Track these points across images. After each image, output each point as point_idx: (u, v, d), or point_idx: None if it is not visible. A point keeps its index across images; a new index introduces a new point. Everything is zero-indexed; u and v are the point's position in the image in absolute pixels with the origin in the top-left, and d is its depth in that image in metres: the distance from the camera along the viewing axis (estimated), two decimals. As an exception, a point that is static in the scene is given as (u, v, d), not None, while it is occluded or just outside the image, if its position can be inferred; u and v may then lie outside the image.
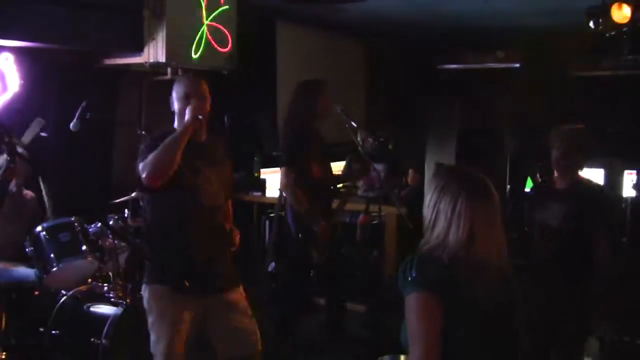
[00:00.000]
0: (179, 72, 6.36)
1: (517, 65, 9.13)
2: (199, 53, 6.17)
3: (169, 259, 3.92)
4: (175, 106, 3.98)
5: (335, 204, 5.75)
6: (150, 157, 3.73)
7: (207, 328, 4.04)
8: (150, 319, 3.94)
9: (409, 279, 2.50)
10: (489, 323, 2.55)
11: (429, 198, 2.61)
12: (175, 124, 4.00)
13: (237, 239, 4.22)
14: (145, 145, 3.87)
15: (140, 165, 3.76)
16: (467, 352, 2.52)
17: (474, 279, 2.50)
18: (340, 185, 5.87)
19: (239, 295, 4.13)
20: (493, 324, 2.56)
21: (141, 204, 4.13)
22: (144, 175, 3.73)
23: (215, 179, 4.01)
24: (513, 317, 2.63)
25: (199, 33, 6.15)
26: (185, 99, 3.91)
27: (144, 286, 3.99)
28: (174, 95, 4.00)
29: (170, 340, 3.86)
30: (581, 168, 4.34)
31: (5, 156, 4.60)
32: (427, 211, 2.61)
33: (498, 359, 2.62)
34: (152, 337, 3.92)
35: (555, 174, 4.40)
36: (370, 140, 5.49)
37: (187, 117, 3.84)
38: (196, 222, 3.93)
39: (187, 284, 3.86)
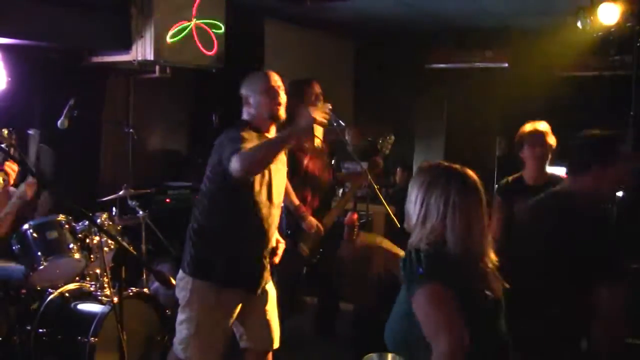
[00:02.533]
0: (167, 70, 6.36)
1: (505, 65, 9.14)
2: (187, 51, 6.16)
3: (222, 256, 3.90)
4: (253, 99, 3.97)
5: (335, 202, 5.75)
6: (252, 151, 3.64)
7: (241, 316, 4.05)
8: (187, 312, 3.91)
9: (417, 274, 2.46)
10: (490, 316, 2.56)
11: (415, 195, 2.59)
12: (245, 115, 4.01)
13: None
14: (232, 137, 3.78)
15: (236, 157, 3.61)
16: (473, 346, 2.48)
17: (476, 272, 2.51)
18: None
19: (272, 289, 4.21)
20: (494, 318, 2.57)
21: (200, 201, 4.05)
22: (240, 166, 3.60)
23: (278, 180, 4.05)
24: (504, 311, 2.62)
25: (187, 31, 6.13)
26: (265, 93, 3.94)
27: (184, 276, 3.94)
28: (253, 87, 3.99)
29: (208, 335, 3.88)
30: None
31: None
32: (415, 207, 2.58)
33: (499, 353, 2.61)
34: (187, 330, 3.89)
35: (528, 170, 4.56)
36: (361, 139, 5.49)
37: (304, 123, 3.81)
38: (257, 221, 3.94)
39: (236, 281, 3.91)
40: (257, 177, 3.86)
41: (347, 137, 5.39)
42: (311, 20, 8.32)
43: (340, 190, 6.35)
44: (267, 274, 4.13)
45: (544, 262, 3.24)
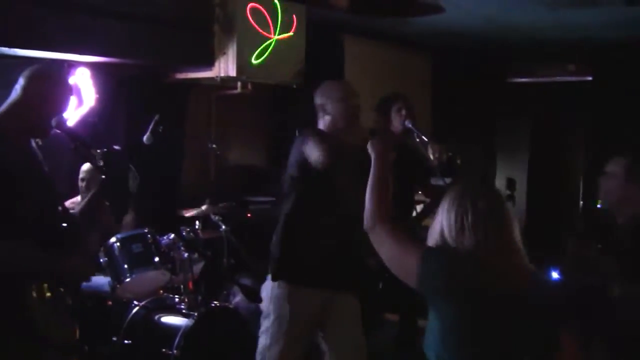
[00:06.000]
0: (249, 86, 6.43)
1: (589, 78, 8.96)
2: (268, 67, 6.22)
3: (293, 252, 3.92)
4: (329, 107, 4.03)
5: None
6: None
7: (325, 329, 4.03)
8: (266, 322, 3.92)
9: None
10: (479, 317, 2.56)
11: (444, 209, 2.62)
12: (321, 125, 4.08)
13: None
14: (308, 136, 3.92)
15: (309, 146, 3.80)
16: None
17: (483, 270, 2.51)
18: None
19: (357, 305, 4.14)
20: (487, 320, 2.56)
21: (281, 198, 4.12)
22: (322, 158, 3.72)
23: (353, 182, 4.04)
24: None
25: (269, 48, 6.20)
26: (342, 101, 4.00)
27: (269, 283, 3.95)
28: (328, 95, 4.06)
29: (284, 345, 3.86)
30: None
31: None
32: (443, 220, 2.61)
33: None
34: (265, 341, 3.90)
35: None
36: (442, 154, 5.41)
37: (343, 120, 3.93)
38: (332, 217, 3.94)
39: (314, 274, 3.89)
40: (334, 174, 3.85)
41: (429, 152, 5.33)
42: (389, 35, 8.32)
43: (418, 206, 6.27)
44: (345, 278, 4.07)
45: None
